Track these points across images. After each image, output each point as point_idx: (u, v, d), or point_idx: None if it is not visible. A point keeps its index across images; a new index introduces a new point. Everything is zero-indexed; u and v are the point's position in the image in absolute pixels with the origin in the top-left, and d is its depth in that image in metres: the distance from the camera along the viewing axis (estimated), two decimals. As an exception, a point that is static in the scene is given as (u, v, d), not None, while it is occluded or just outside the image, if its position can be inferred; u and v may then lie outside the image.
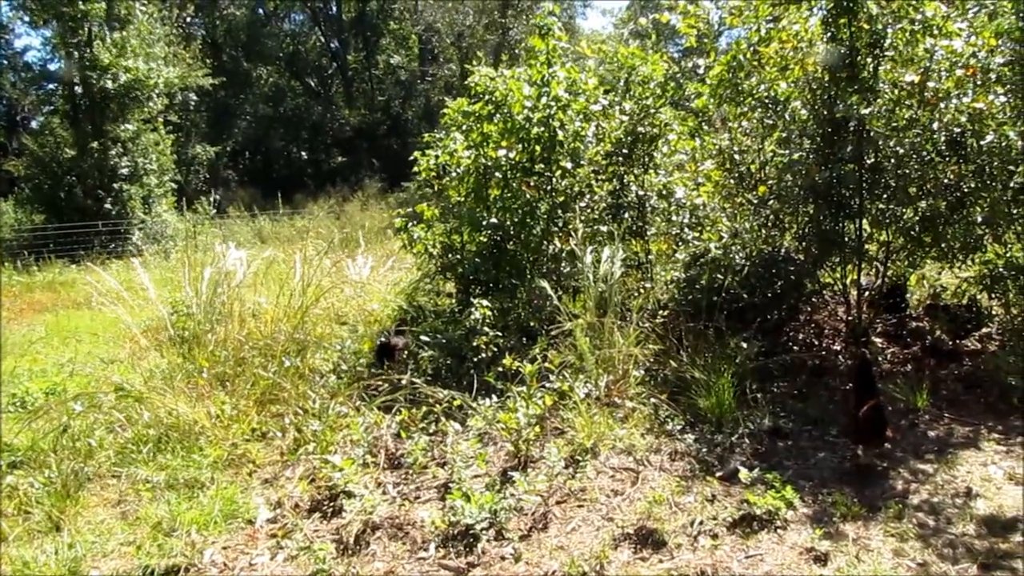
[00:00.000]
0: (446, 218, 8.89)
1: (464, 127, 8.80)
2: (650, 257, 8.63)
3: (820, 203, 7.34)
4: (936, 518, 4.58)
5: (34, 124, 34.26)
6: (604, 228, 8.09)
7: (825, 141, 7.28)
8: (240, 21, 44.75)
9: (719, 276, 7.32)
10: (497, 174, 8.49)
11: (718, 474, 5.21)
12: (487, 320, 7.11)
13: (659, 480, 5.18)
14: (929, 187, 7.25)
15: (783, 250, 7.76)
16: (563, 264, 8.26)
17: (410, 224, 8.94)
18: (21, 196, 25.92)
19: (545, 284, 7.24)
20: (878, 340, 7.92)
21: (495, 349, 6.90)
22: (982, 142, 6.92)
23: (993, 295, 7.49)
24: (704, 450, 5.59)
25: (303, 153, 45.37)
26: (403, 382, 6.37)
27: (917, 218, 7.28)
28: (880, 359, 7.39)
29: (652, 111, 8.56)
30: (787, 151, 7.70)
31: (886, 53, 7.17)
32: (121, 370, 7.92)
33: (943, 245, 7.37)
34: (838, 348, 7.82)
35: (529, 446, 5.48)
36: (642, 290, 7.88)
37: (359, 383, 6.65)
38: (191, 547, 4.51)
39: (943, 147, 7.08)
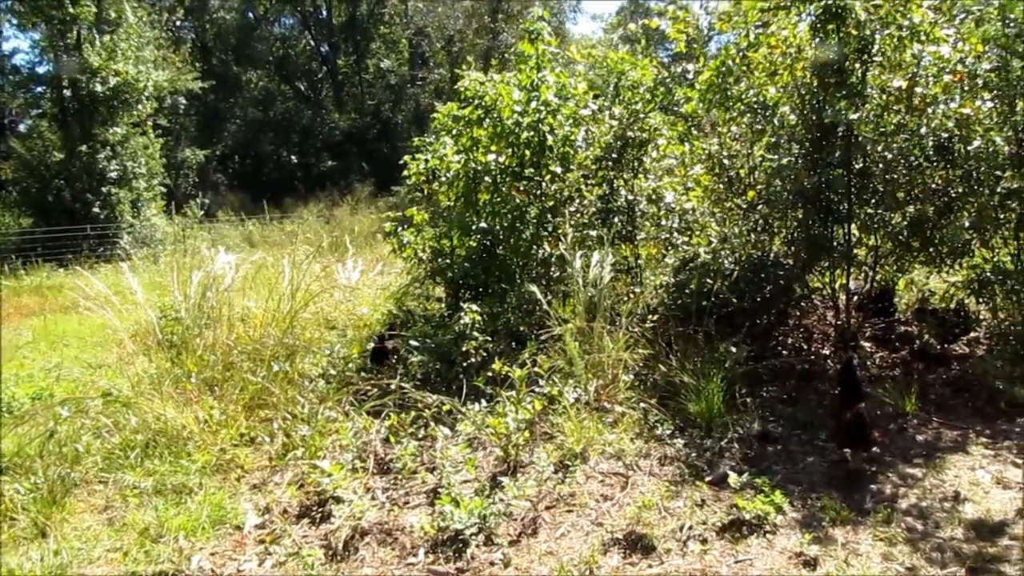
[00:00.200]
0: (436, 222, 8.89)
1: (454, 131, 8.81)
2: (639, 262, 8.63)
3: (809, 208, 7.36)
4: (924, 522, 4.59)
5: (22, 127, 34.07)
6: (593, 232, 8.08)
7: (814, 146, 7.30)
8: (230, 25, 44.67)
9: (708, 281, 7.34)
10: (487, 179, 8.50)
11: (707, 479, 5.21)
12: (476, 325, 7.11)
13: (648, 485, 5.17)
14: (917, 192, 7.28)
15: (772, 255, 7.78)
16: (553, 269, 8.26)
17: (400, 228, 8.95)
18: (9, 199, 25.86)
19: (535, 289, 7.24)
20: (867, 344, 7.94)
21: (484, 354, 6.89)
22: (969, 147, 6.96)
23: (981, 299, 7.53)
24: (693, 455, 5.59)
25: (293, 157, 45.27)
26: (392, 387, 6.35)
27: (905, 223, 7.31)
28: (869, 363, 7.41)
29: (642, 116, 8.57)
30: (776, 156, 7.73)
31: (874, 59, 7.20)
32: (109, 375, 7.90)
33: (931, 250, 7.40)
34: (827, 352, 7.84)
35: (518, 451, 5.47)
36: (631, 295, 7.88)
37: (348, 388, 6.63)
38: (178, 553, 4.49)
39: (931, 152, 7.12)
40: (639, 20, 9.56)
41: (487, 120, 8.44)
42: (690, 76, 8.41)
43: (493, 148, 8.37)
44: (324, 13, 47.10)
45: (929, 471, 5.28)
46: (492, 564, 4.31)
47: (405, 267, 9.53)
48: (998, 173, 6.94)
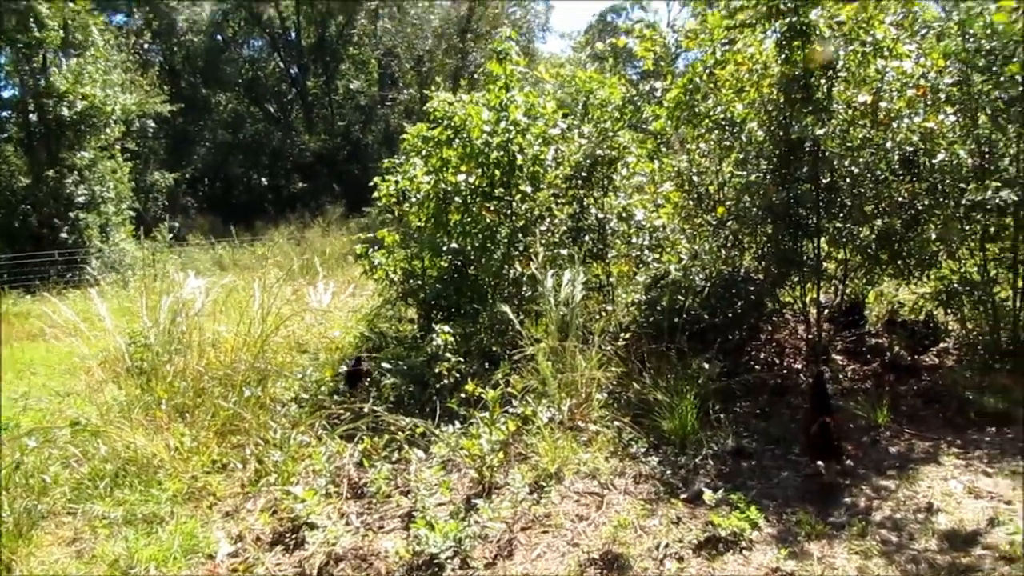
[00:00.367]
0: (407, 244, 8.87)
1: (423, 152, 8.81)
2: (611, 279, 8.65)
3: (778, 223, 7.42)
4: (899, 534, 4.61)
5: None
6: (565, 251, 8.09)
7: (782, 162, 7.37)
8: (198, 47, 44.43)
9: (680, 297, 7.37)
10: (457, 199, 8.50)
11: (683, 496, 5.21)
12: (449, 346, 7.08)
13: (624, 504, 5.16)
14: (884, 205, 7.36)
15: (743, 270, 7.83)
16: (524, 288, 8.26)
17: (371, 250, 8.92)
18: (-27, 226, 25.49)
19: (507, 308, 7.23)
20: (838, 357, 7.99)
21: (457, 375, 6.86)
22: (934, 160, 7.06)
23: (949, 310, 7.61)
24: (668, 472, 5.59)
25: (263, 179, 45.01)
26: (365, 410, 6.31)
27: (873, 236, 7.38)
28: (840, 376, 7.46)
29: (611, 134, 8.61)
30: (745, 172, 7.79)
31: (839, 75, 7.29)
32: (77, 403, 7.79)
33: (899, 262, 7.48)
34: (799, 366, 7.88)
35: (493, 472, 5.44)
36: (604, 313, 7.88)
37: (321, 412, 6.57)
38: (150, 585, 4.42)
39: (896, 166, 7.20)
40: (607, 39, 9.60)
41: (457, 140, 8.45)
42: (658, 94, 8.46)
43: (463, 168, 8.37)
44: (293, 35, 46.98)
45: (902, 483, 5.31)
46: (468, 588, 4.29)
47: (377, 289, 9.50)
48: (962, 186, 7.02)
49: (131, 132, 28.26)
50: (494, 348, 7.54)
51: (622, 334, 7.24)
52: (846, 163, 7.19)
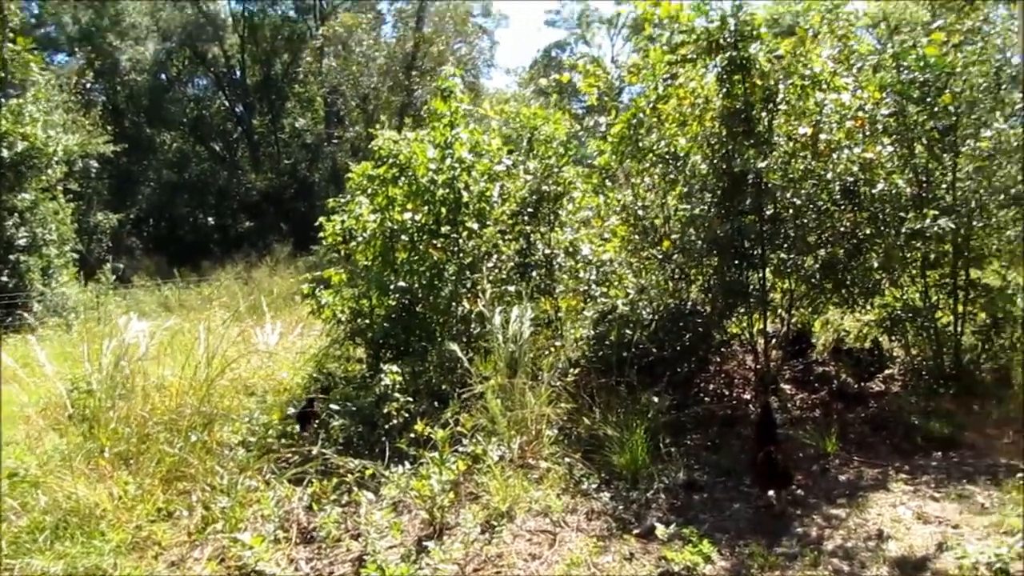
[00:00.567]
0: (354, 282, 8.78)
1: (369, 191, 8.75)
2: (559, 315, 8.63)
3: (723, 255, 7.49)
4: (851, 563, 4.64)
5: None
6: (512, 287, 8.07)
7: (725, 194, 7.45)
8: (142, 86, 44.00)
9: (628, 331, 7.38)
10: (404, 237, 8.45)
11: (635, 531, 5.18)
12: (397, 385, 6.99)
13: (577, 541, 5.12)
14: (827, 235, 7.47)
15: (690, 303, 7.88)
16: (473, 325, 8.21)
17: (318, 289, 8.83)
18: (-91, 270, 24.86)
19: (455, 347, 7.20)
20: (786, 386, 8.06)
21: (407, 415, 6.77)
22: (874, 190, 7.20)
23: (894, 337, 7.74)
24: (620, 508, 5.57)
25: (210, 219, 44.53)
26: (314, 452, 6.21)
27: (817, 265, 7.49)
28: (789, 405, 7.53)
29: (556, 169, 8.67)
30: (689, 205, 7.86)
31: (779, 107, 7.40)
32: (16, 453, 7.56)
33: (843, 291, 7.59)
34: (748, 397, 7.93)
35: (444, 513, 5.36)
36: (552, 348, 7.85)
37: (269, 456, 6.45)
38: (90, 642, 4.28)
39: (838, 196, 7.33)
40: (552, 74, 9.68)
41: (402, 178, 8.41)
42: (603, 128, 8.53)
43: (409, 206, 8.35)
44: (238, 73, 46.78)
45: (852, 510, 5.35)
46: (419, 634, 4.21)
47: (324, 328, 9.40)
48: (902, 214, 7.16)
49: (74, 173, 27.79)
50: (443, 386, 7.47)
51: (571, 369, 7.22)
52: (788, 194, 7.29)
